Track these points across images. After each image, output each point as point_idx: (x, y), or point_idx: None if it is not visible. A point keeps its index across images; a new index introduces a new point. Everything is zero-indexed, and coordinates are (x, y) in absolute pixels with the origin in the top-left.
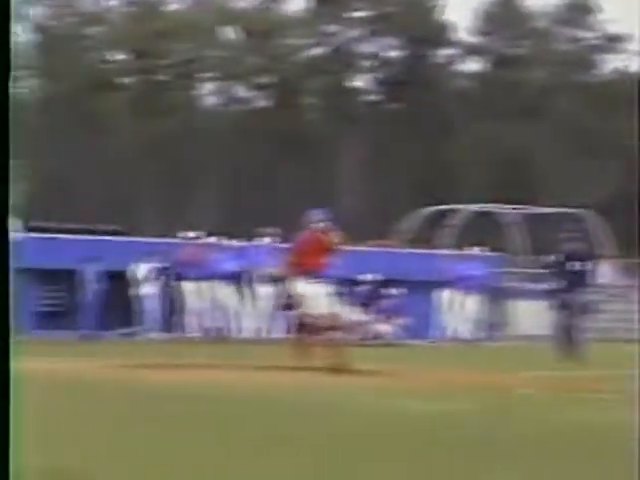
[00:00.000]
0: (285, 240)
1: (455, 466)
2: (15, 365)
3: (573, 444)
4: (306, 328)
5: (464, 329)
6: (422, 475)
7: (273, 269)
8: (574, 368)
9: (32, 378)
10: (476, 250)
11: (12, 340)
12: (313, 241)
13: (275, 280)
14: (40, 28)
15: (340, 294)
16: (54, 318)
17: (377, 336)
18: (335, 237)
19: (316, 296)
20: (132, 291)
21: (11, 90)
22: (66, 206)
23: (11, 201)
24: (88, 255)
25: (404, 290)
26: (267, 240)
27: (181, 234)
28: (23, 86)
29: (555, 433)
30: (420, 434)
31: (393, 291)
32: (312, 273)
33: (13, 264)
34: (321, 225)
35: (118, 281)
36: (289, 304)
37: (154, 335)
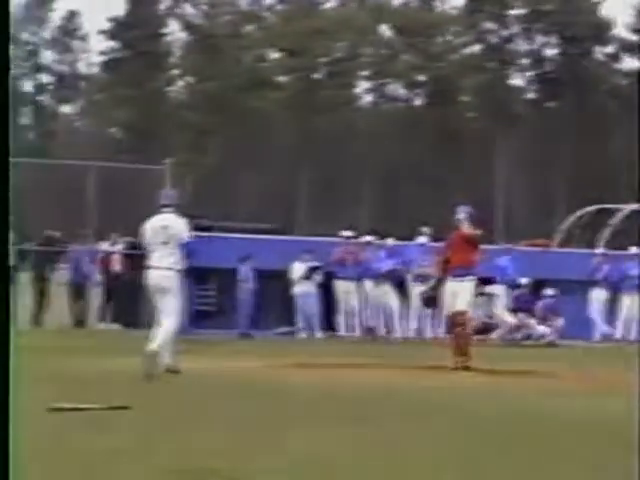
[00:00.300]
0: (439, 239)
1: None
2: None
3: None
4: (455, 327)
5: (622, 329)
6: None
7: (427, 268)
8: None
9: (196, 377)
10: (635, 250)
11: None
12: (460, 238)
13: (428, 279)
14: (195, 28)
15: (497, 294)
16: (211, 317)
17: (535, 337)
18: (479, 234)
19: (463, 294)
20: (288, 290)
21: (165, 90)
22: (223, 204)
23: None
24: (245, 254)
25: (561, 290)
26: (422, 239)
27: (337, 233)
28: (178, 85)
29: None
30: (591, 435)
31: (550, 291)
32: (460, 271)
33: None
34: (466, 222)
35: (274, 280)
36: (436, 302)
37: (310, 335)
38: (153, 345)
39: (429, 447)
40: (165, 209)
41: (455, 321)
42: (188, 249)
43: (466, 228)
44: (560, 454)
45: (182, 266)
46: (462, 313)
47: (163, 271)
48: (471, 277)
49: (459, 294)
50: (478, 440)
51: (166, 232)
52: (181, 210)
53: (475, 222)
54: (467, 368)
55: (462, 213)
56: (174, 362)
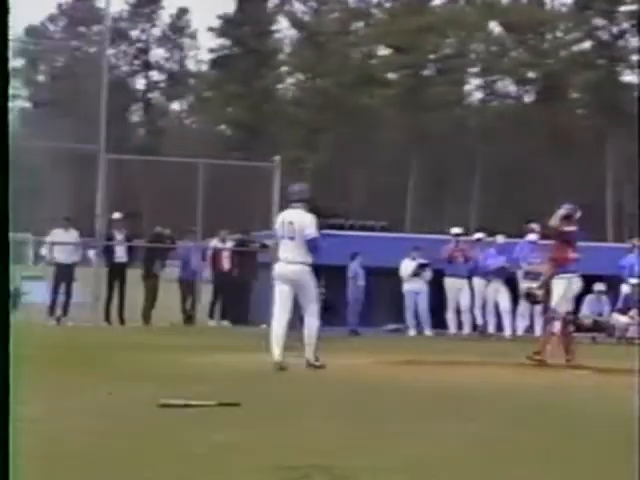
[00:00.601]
0: (548, 236)
1: None
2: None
3: None
4: (561, 324)
5: None
6: None
7: (537, 265)
8: None
9: (306, 374)
10: None
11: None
12: (561, 235)
13: (538, 276)
14: (304, 25)
15: (604, 291)
16: (322, 314)
17: None
18: (573, 231)
19: (556, 291)
20: (398, 287)
21: (274, 87)
22: (333, 201)
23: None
24: (355, 251)
25: None
26: (532, 236)
27: (446, 230)
28: (287, 82)
29: None
30: None
31: None
32: (562, 268)
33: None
34: (560, 219)
35: (384, 277)
36: (537, 299)
37: (419, 332)
38: (308, 350)
39: (538, 447)
40: (294, 204)
41: (546, 318)
42: (312, 245)
43: (561, 225)
44: None
45: (310, 260)
46: (553, 310)
47: (292, 266)
48: (566, 274)
49: (553, 291)
50: (586, 441)
51: (292, 227)
52: (311, 206)
53: (577, 219)
54: (542, 363)
55: (561, 210)
56: (316, 356)
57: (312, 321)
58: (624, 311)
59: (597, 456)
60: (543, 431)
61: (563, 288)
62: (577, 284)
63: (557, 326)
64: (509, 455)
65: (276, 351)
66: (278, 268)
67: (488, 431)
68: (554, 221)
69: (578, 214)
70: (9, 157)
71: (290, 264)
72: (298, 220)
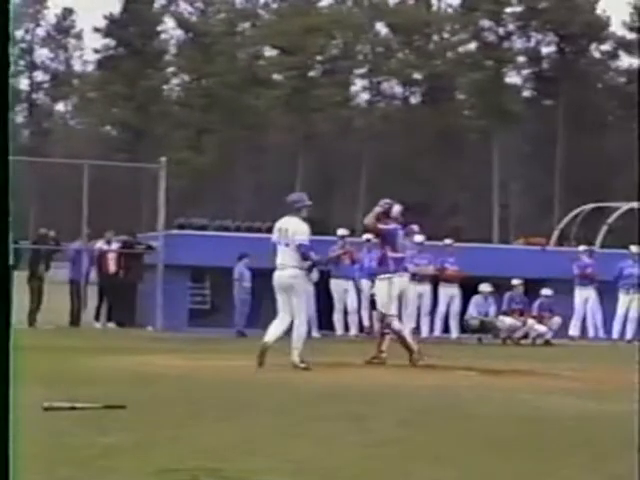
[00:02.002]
0: (433, 237)
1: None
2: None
3: None
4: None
5: (620, 328)
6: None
7: (423, 267)
8: None
9: (192, 375)
10: (634, 248)
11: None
12: (378, 234)
13: (424, 278)
14: (190, 25)
15: (490, 292)
16: (206, 316)
17: (532, 336)
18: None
19: (387, 293)
20: None
21: (160, 88)
22: (219, 202)
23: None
24: (241, 252)
25: (558, 289)
26: (418, 237)
27: (333, 231)
28: (173, 83)
29: None
30: (591, 434)
31: (546, 290)
32: (383, 267)
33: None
34: (385, 216)
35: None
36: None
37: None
38: (267, 338)
39: (423, 447)
40: (290, 212)
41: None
42: (302, 251)
43: (376, 223)
44: (561, 454)
45: (304, 266)
46: (381, 313)
47: (285, 270)
48: (386, 274)
49: (377, 293)
50: (476, 440)
51: (287, 234)
52: (308, 214)
53: (397, 216)
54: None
55: (377, 207)
56: (301, 359)
57: (301, 326)
58: (509, 312)
59: (485, 455)
60: (432, 431)
61: (385, 289)
62: (399, 283)
63: (397, 324)
64: (400, 455)
65: (294, 352)
66: (275, 275)
67: (378, 431)
68: (369, 219)
69: (396, 210)
70: (8, 154)
71: (284, 269)
72: (293, 227)
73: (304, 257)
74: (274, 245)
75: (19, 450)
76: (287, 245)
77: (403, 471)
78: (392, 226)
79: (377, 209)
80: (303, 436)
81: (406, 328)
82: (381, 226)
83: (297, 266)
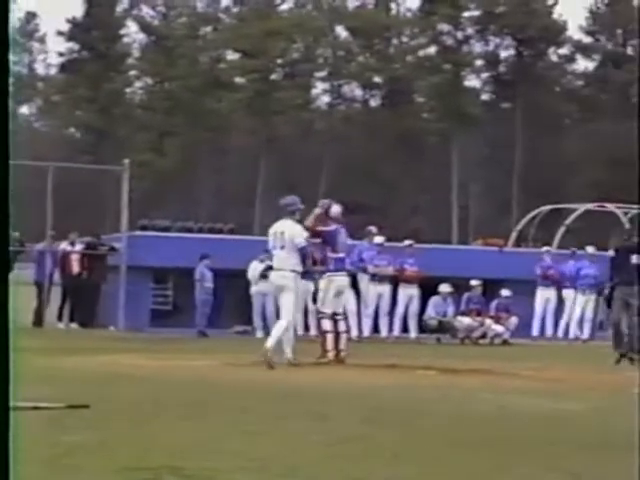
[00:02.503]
0: (394, 238)
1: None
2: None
3: None
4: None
5: (576, 328)
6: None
7: (383, 268)
8: None
9: (154, 375)
10: (589, 249)
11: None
12: (318, 235)
13: (384, 278)
14: (152, 29)
15: (449, 293)
16: (169, 316)
17: (490, 336)
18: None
19: (324, 292)
20: (246, 290)
21: (123, 91)
22: (182, 204)
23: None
24: (204, 253)
25: (516, 289)
26: (378, 239)
27: None
28: (136, 86)
29: None
30: (548, 433)
31: (504, 290)
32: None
33: (126, 262)
34: (326, 217)
35: (232, 280)
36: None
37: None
38: (269, 342)
39: (385, 446)
40: (285, 215)
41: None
42: (302, 253)
43: (316, 224)
44: (519, 452)
45: (300, 268)
46: (318, 311)
47: (282, 272)
48: (326, 274)
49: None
50: (436, 438)
51: (283, 237)
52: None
53: (337, 217)
54: (318, 362)
55: (316, 209)
56: (294, 356)
57: (283, 322)
58: (467, 312)
59: (445, 453)
60: (393, 429)
61: (324, 288)
62: (338, 283)
63: (328, 325)
64: (362, 453)
65: (286, 350)
66: (272, 276)
67: (341, 430)
68: (309, 221)
69: (335, 210)
70: (9, 157)
71: (281, 271)
72: (289, 230)
73: (304, 259)
74: (269, 250)
75: None
76: (282, 248)
77: (365, 469)
78: (332, 227)
79: (317, 210)
80: (266, 435)
81: (340, 329)
82: (320, 228)
83: (293, 269)
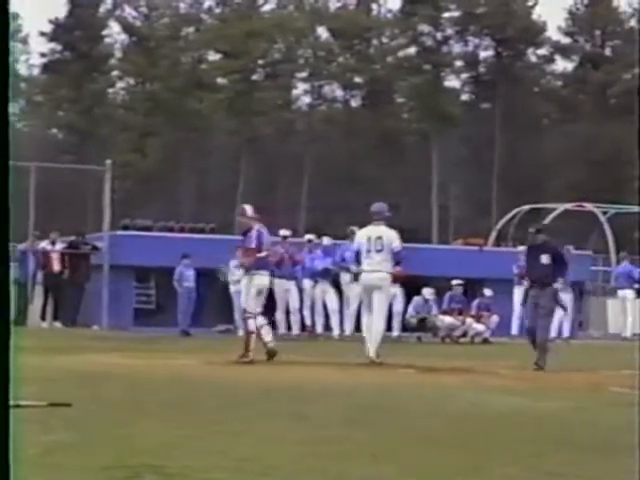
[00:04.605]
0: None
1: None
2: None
3: None
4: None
5: (554, 327)
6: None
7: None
8: None
9: (136, 374)
10: (567, 248)
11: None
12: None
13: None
14: (135, 30)
15: (432, 293)
16: (152, 315)
17: (470, 334)
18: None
19: (246, 290)
20: (227, 289)
21: (105, 91)
22: (164, 204)
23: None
24: (184, 253)
25: (496, 288)
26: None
27: (275, 232)
28: (118, 87)
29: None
30: (527, 431)
31: (485, 289)
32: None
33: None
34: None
35: (214, 279)
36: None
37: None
38: (371, 354)
39: (365, 445)
40: (377, 221)
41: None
42: (400, 256)
43: (245, 223)
44: (499, 451)
45: (392, 270)
46: (244, 309)
47: (378, 274)
48: (248, 273)
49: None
50: (416, 437)
51: (380, 241)
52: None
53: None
54: (239, 361)
55: (242, 207)
56: (376, 356)
57: (378, 322)
58: (449, 311)
59: (425, 452)
60: (373, 429)
61: (246, 286)
62: (259, 281)
63: (252, 324)
64: (341, 452)
65: (368, 347)
66: (364, 277)
67: (321, 430)
68: (239, 222)
69: (250, 211)
70: (9, 157)
71: (376, 273)
72: (385, 235)
73: (400, 262)
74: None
75: None
76: (379, 251)
77: (343, 468)
78: (256, 227)
79: (240, 219)
80: (245, 434)
81: (263, 330)
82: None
83: (388, 270)
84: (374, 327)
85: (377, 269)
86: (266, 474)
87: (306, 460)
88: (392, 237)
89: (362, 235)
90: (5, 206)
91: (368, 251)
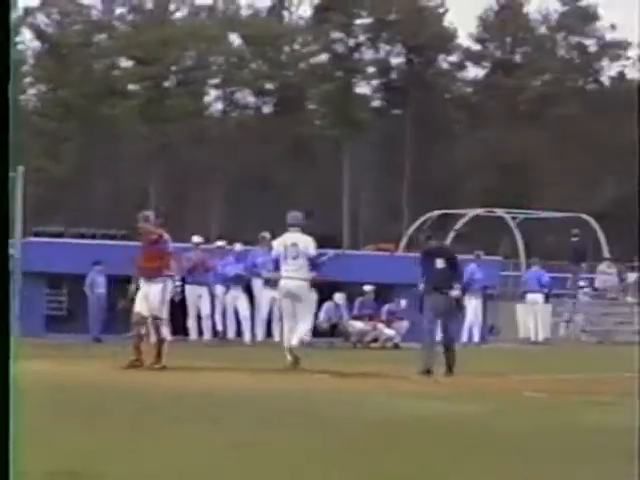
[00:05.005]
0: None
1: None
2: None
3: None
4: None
5: (465, 332)
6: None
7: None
8: (574, 371)
9: (47, 380)
10: (477, 253)
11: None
12: (147, 241)
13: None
14: (47, 36)
15: (343, 298)
16: (63, 322)
17: (381, 340)
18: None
19: (152, 297)
20: None
21: (17, 98)
22: (76, 210)
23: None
24: (96, 259)
25: (407, 294)
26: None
27: (188, 238)
28: (30, 93)
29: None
30: (439, 435)
31: (396, 295)
32: (149, 273)
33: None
34: (151, 224)
35: (126, 285)
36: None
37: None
38: (293, 341)
39: (285, 450)
40: (292, 228)
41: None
42: (315, 262)
43: (151, 230)
44: (416, 455)
45: (309, 277)
46: (154, 317)
47: (295, 281)
48: (161, 279)
49: (149, 297)
50: (331, 443)
51: (296, 248)
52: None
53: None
54: (152, 368)
55: (145, 214)
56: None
57: (304, 327)
58: (360, 317)
59: (341, 456)
60: (288, 433)
61: (160, 293)
62: (171, 287)
63: (165, 331)
64: (256, 457)
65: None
66: (283, 284)
67: (235, 434)
68: (142, 229)
69: (151, 218)
70: (8, 158)
71: (293, 280)
72: (300, 242)
73: (316, 268)
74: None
75: None
76: (295, 258)
77: (258, 474)
78: (164, 234)
79: (145, 223)
80: (159, 439)
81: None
82: (150, 235)
83: (303, 277)
84: (300, 330)
85: (294, 276)
86: (179, 478)
87: (221, 464)
88: (307, 243)
89: (279, 243)
90: (5, 206)
91: (285, 258)
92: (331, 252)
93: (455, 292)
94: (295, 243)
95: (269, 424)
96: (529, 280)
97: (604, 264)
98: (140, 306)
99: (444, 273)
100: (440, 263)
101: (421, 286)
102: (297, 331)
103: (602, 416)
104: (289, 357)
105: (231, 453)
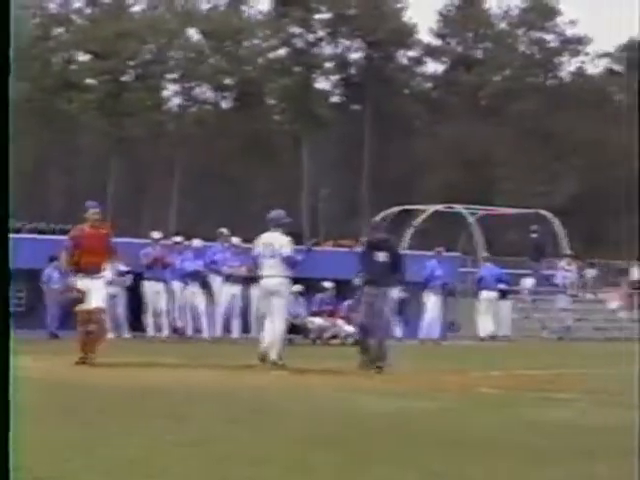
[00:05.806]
0: (247, 239)
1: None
2: None
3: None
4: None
5: (424, 328)
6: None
7: (237, 268)
8: (532, 367)
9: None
10: (437, 250)
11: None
12: (90, 235)
13: (238, 279)
14: None
15: (301, 294)
16: (21, 318)
17: (341, 336)
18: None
19: (95, 292)
20: None
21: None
22: (34, 205)
23: None
24: (52, 255)
25: None
26: (234, 240)
27: (145, 234)
28: None
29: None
30: (399, 432)
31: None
32: (92, 268)
33: None
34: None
35: None
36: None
37: (118, 335)
38: (273, 356)
39: (247, 447)
40: (274, 227)
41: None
42: (290, 262)
43: (93, 225)
44: (380, 452)
45: (287, 275)
46: (96, 311)
47: (274, 279)
48: (102, 274)
49: (92, 291)
50: (293, 440)
51: (271, 248)
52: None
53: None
54: (93, 364)
55: (91, 208)
56: (279, 359)
57: (279, 326)
58: (319, 313)
59: (304, 453)
60: (253, 431)
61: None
62: (99, 284)
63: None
64: (217, 453)
65: (264, 349)
66: (262, 282)
67: (196, 431)
68: (93, 224)
69: (94, 215)
70: (8, 157)
71: (271, 278)
72: (276, 241)
73: (291, 267)
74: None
75: None
76: (272, 257)
77: (224, 470)
78: (90, 231)
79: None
80: (120, 436)
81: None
82: (77, 233)
83: (280, 275)
84: (275, 330)
85: (273, 273)
86: (152, 476)
87: (186, 461)
88: (283, 243)
89: (259, 241)
90: (5, 205)
91: (263, 257)
92: (304, 249)
93: (395, 293)
94: (271, 243)
95: (233, 420)
96: (483, 277)
97: (564, 261)
98: (86, 303)
99: (384, 266)
100: (382, 256)
101: (356, 280)
102: (275, 342)
103: (558, 413)
104: (261, 354)
105: (197, 449)
